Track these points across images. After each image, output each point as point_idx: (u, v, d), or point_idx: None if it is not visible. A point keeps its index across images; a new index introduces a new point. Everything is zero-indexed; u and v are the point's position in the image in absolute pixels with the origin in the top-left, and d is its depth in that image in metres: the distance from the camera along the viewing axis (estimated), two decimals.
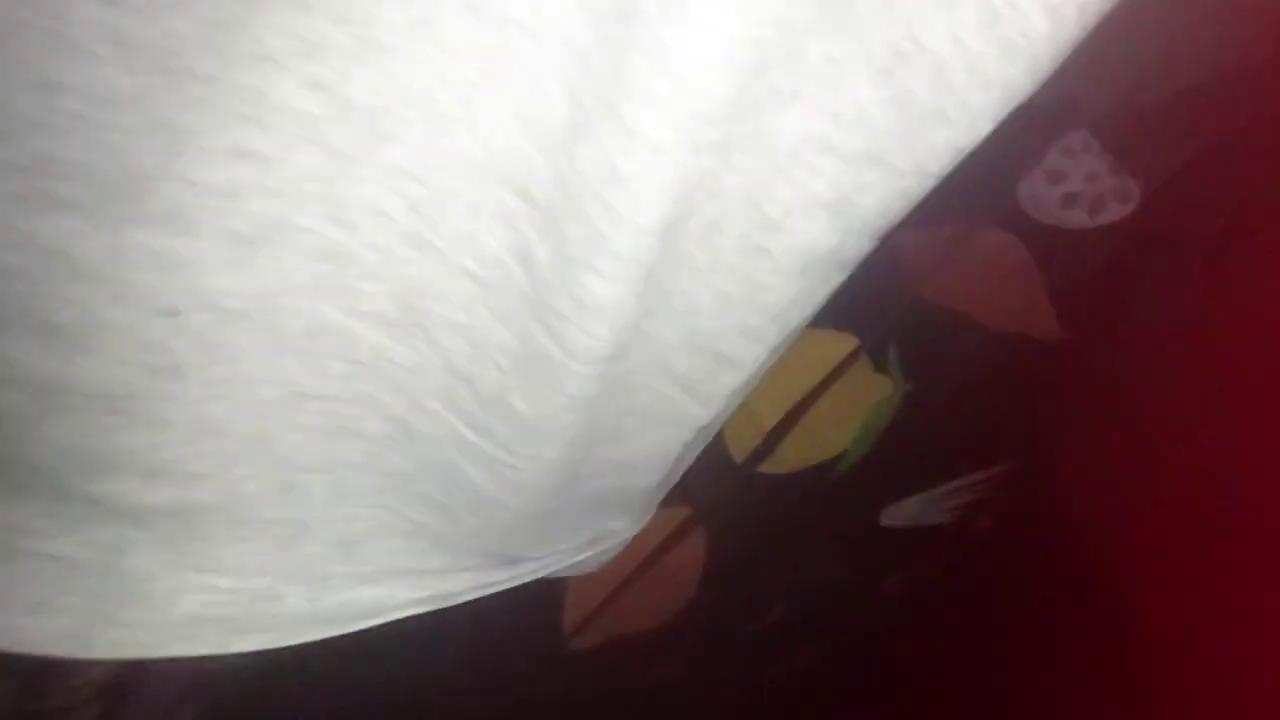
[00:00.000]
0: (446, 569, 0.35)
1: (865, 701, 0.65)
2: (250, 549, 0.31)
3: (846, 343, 0.50)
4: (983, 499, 0.56)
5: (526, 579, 0.38)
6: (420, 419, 0.30)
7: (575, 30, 0.24)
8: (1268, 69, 0.50)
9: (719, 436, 0.53)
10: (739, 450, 0.52)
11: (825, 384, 0.50)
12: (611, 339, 0.28)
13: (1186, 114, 0.48)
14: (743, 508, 0.53)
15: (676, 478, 0.40)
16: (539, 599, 0.57)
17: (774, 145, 0.27)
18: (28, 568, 0.28)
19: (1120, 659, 0.56)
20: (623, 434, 0.33)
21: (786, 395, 0.51)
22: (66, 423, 0.26)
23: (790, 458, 0.52)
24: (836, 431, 0.51)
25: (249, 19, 0.23)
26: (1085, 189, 0.49)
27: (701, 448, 0.40)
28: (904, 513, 0.56)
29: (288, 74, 0.23)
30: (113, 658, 0.31)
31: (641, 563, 0.53)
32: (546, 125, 0.26)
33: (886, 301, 0.49)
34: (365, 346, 0.28)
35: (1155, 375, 0.53)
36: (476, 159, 0.26)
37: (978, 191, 0.48)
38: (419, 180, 0.26)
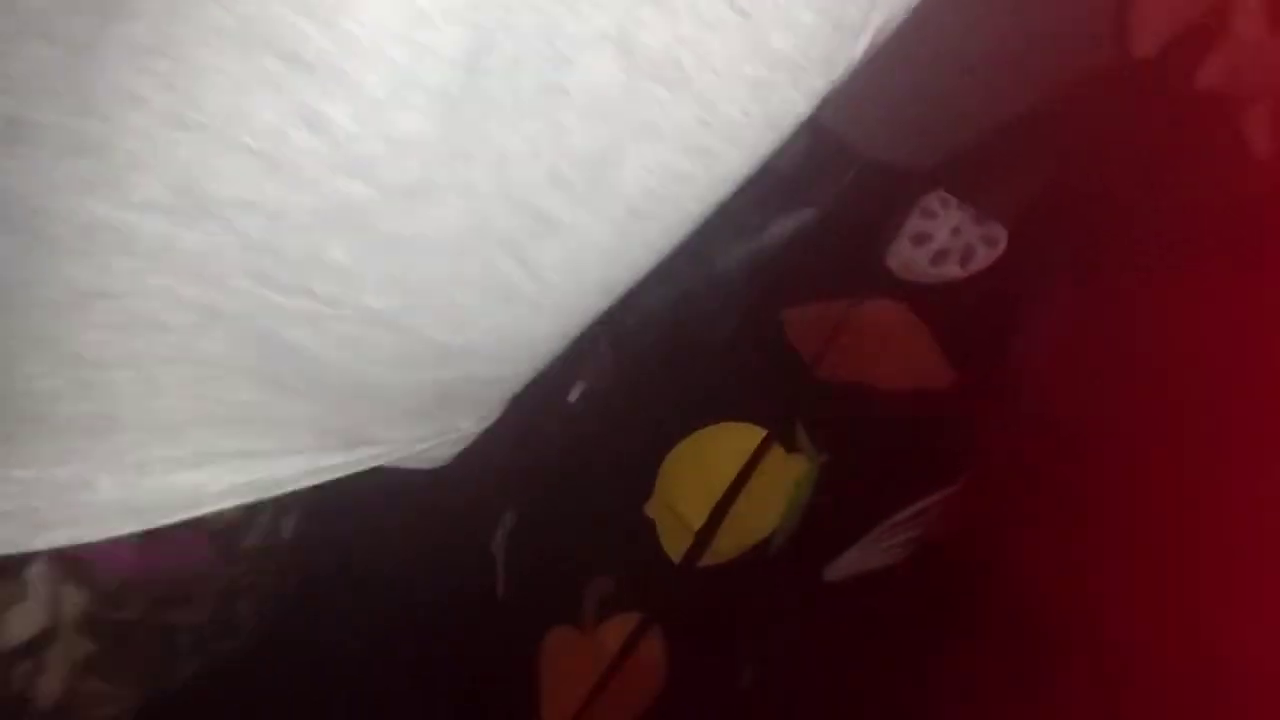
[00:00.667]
0: (276, 451, 0.34)
1: None
2: (51, 441, 0.30)
3: (755, 434, 0.52)
4: (917, 534, 0.58)
5: (366, 465, 0.37)
6: (226, 299, 0.30)
7: None
8: (1097, 74, 0.51)
9: (656, 540, 0.54)
10: (675, 552, 0.53)
11: (744, 477, 0.51)
12: (421, 173, 0.29)
13: (1023, 142, 0.50)
14: (688, 602, 0.54)
15: (524, 378, 0.40)
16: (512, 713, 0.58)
17: None
18: None
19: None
20: (458, 309, 0.33)
21: (708, 494, 0.52)
22: None
23: (724, 548, 0.53)
24: (763, 516, 0.53)
25: None
26: (952, 243, 0.50)
27: (546, 355, 0.40)
28: (845, 565, 0.58)
29: None
30: None
31: (605, 671, 0.55)
32: None
33: (785, 388, 0.50)
34: (146, 238, 0.28)
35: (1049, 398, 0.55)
36: (227, 28, 0.26)
37: (849, 268, 0.49)
38: (166, 55, 0.26)
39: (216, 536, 0.39)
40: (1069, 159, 0.51)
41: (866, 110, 0.48)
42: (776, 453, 0.52)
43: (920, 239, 0.49)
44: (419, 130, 0.28)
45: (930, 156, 0.50)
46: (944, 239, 0.50)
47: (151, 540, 0.36)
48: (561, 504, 0.58)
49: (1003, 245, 0.52)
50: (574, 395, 0.57)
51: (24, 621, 0.37)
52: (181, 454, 0.32)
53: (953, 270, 0.51)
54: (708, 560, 0.53)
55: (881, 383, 0.52)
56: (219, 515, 0.38)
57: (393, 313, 0.32)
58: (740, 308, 0.52)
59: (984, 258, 0.52)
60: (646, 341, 0.55)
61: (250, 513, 0.39)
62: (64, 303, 0.28)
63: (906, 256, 0.49)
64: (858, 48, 0.33)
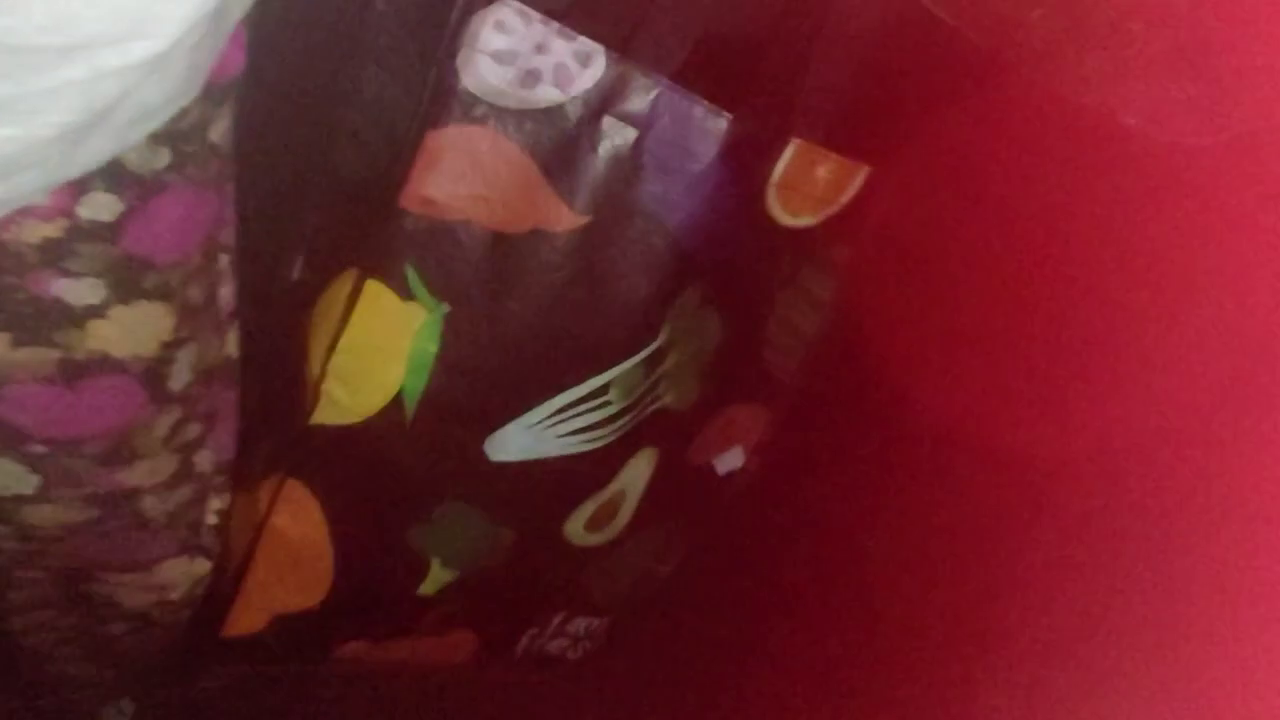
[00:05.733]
0: None
1: None
2: None
3: (352, 278, 0.49)
4: (596, 424, 0.52)
5: None
6: None
7: None
8: None
9: (303, 403, 0.53)
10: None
11: (342, 322, 0.49)
12: None
13: None
14: (333, 463, 0.52)
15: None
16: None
17: None
18: None
19: None
20: None
21: (323, 345, 0.50)
22: None
23: (350, 405, 0.51)
24: (385, 368, 0.50)
25: None
26: (541, 62, 0.46)
27: None
28: (512, 445, 0.52)
29: None
30: None
31: (255, 533, 0.54)
32: None
33: (373, 227, 0.48)
34: None
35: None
36: None
37: (425, 90, 0.47)
38: None
39: (144, 378, 0.42)
40: None
41: None
42: (385, 298, 0.49)
43: (503, 58, 0.46)
44: None
45: None
46: (529, 57, 0.46)
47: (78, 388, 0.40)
48: (261, 380, 0.57)
49: (602, 63, 0.47)
50: (296, 273, 0.58)
51: None
52: None
53: (550, 93, 0.46)
54: (337, 417, 0.51)
55: (490, 222, 0.48)
56: (136, 356, 0.41)
57: None
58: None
59: (584, 79, 0.47)
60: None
61: (168, 349, 0.43)
62: None
63: (491, 78, 0.46)
64: None
